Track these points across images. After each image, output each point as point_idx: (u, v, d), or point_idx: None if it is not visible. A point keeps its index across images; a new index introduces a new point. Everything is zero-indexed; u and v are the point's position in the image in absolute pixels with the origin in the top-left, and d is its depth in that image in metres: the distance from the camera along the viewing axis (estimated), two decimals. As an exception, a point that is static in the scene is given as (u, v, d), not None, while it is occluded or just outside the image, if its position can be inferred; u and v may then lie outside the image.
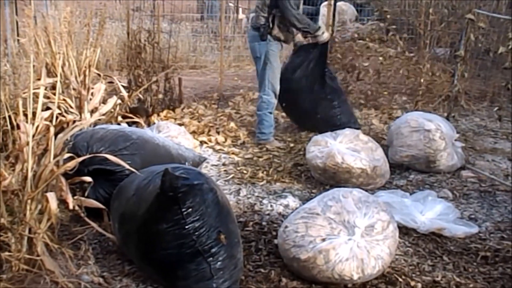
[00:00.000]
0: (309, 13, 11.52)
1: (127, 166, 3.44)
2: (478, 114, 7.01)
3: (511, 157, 5.53)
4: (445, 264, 3.54)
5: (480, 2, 7.00)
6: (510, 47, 5.15)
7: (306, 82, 5.87)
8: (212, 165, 5.18)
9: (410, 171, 5.14)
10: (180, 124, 5.84)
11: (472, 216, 4.26)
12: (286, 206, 4.30)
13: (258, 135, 5.80)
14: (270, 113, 5.76)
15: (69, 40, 5.09)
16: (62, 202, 3.35)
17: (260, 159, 5.34)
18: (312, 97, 5.85)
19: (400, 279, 3.28)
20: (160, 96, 6.53)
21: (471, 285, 3.26)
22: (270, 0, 5.45)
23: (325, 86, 5.89)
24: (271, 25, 5.48)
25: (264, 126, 5.74)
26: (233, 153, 5.50)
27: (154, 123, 5.49)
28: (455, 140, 5.20)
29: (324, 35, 5.71)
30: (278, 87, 5.73)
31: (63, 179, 3.27)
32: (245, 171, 5.01)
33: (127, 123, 5.11)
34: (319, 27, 5.68)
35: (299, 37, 5.92)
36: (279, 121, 6.39)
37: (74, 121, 4.30)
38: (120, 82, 5.75)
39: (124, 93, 5.57)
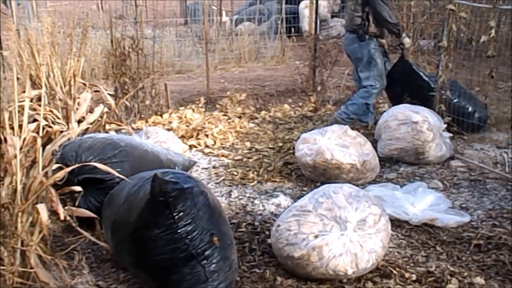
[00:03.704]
0: (291, 12, 11.60)
1: (117, 174, 3.44)
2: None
3: (499, 145, 5.58)
4: (438, 254, 3.56)
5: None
6: (492, 35, 5.19)
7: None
8: (202, 168, 5.18)
9: (399, 164, 5.16)
10: (168, 129, 5.85)
11: (463, 205, 4.29)
12: (278, 205, 4.31)
13: (341, 114, 5.94)
14: (367, 104, 5.96)
15: (52, 50, 5.08)
16: (53, 213, 3.34)
17: (250, 160, 5.34)
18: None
19: (395, 271, 3.30)
20: (147, 102, 6.52)
21: (465, 274, 3.28)
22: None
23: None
24: (366, 23, 5.68)
25: (352, 111, 5.93)
26: (222, 156, 5.50)
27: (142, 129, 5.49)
28: (443, 130, 5.23)
29: (407, 39, 5.96)
30: (385, 81, 5.98)
31: (53, 190, 3.26)
32: (235, 173, 5.01)
33: (115, 130, 5.10)
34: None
35: (406, 39, 6.05)
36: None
37: (62, 132, 4.29)
38: (106, 90, 5.74)
39: (111, 101, 5.56)
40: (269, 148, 5.66)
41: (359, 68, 5.99)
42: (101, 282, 3.22)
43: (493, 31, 5.22)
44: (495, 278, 3.25)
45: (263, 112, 6.99)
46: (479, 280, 3.21)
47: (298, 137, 5.10)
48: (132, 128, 5.59)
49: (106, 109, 5.21)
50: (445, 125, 5.30)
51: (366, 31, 5.73)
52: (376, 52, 5.85)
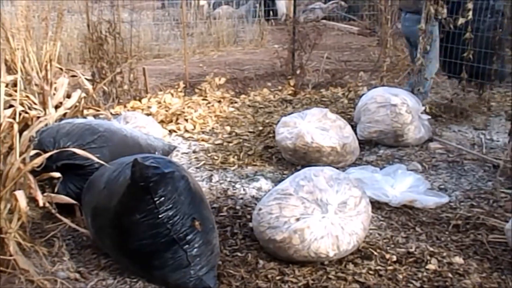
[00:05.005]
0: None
1: (96, 159, 3.41)
2: (443, 86, 7.09)
3: (477, 126, 5.64)
4: (418, 235, 3.60)
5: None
6: (469, 17, 5.22)
7: None
8: (183, 153, 5.16)
9: (379, 147, 5.20)
10: (147, 114, 5.81)
11: (442, 187, 4.34)
12: (259, 189, 4.31)
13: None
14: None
15: (27, 35, 4.98)
16: (31, 200, 3.30)
17: (230, 144, 5.33)
18: None
19: (375, 253, 3.33)
20: (126, 87, 6.47)
21: (444, 254, 3.33)
22: None
23: None
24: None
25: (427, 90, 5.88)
26: (202, 140, 5.48)
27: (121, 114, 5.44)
28: (421, 113, 5.27)
29: None
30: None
31: (31, 177, 3.22)
32: (216, 157, 5.00)
33: (94, 115, 5.05)
34: None
35: None
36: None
37: (39, 117, 4.24)
38: (83, 75, 5.66)
39: (88, 86, 5.49)
40: (249, 132, 5.66)
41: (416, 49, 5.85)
42: (82, 268, 3.19)
43: (470, 13, 5.25)
44: (474, 257, 3.30)
45: (242, 96, 6.97)
46: (458, 259, 3.26)
47: (278, 121, 5.09)
48: (111, 113, 5.52)
49: (83, 94, 5.14)
50: (423, 108, 5.34)
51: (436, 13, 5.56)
52: (436, 31, 5.75)
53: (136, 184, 2.94)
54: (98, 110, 5.20)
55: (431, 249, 3.39)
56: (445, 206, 3.98)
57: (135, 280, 3.07)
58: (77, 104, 4.99)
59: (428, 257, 3.28)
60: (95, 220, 3.26)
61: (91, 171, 3.62)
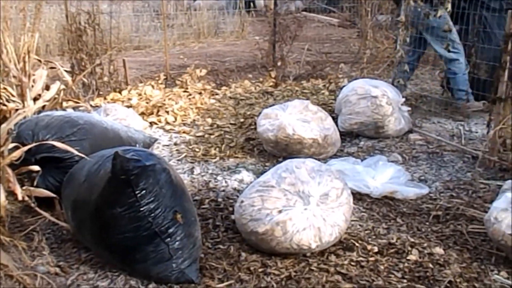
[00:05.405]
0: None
1: (76, 152, 3.38)
2: (422, 78, 7.16)
3: (456, 118, 5.69)
4: (399, 226, 3.63)
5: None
6: (448, 9, 5.25)
7: None
8: (164, 146, 5.13)
9: (360, 138, 5.22)
10: (128, 106, 5.76)
11: (422, 178, 4.38)
12: (241, 181, 4.31)
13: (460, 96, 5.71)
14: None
15: (4, 26, 4.88)
16: (10, 193, 3.26)
17: (212, 136, 5.31)
18: None
19: (357, 244, 3.35)
20: (105, 79, 6.42)
21: (425, 244, 3.35)
22: None
23: None
24: None
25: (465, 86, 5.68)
26: (184, 132, 5.45)
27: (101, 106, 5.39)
28: (401, 104, 5.30)
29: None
30: None
31: (9, 170, 3.18)
32: (197, 149, 4.98)
33: (73, 108, 4.99)
34: None
35: None
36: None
37: (17, 110, 4.17)
38: (62, 67, 5.58)
39: (68, 78, 5.42)
40: (231, 124, 5.64)
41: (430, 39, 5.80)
42: (62, 262, 3.16)
43: (449, 5, 5.28)
44: (454, 247, 3.34)
45: (223, 88, 6.95)
46: (439, 250, 3.29)
47: (260, 113, 5.09)
48: (91, 106, 5.47)
49: (62, 86, 5.07)
50: (404, 99, 5.37)
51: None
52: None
53: (117, 177, 2.91)
54: (77, 102, 5.15)
55: (412, 240, 3.42)
56: (425, 197, 4.02)
57: (116, 274, 3.05)
58: (56, 96, 4.92)
59: (409, 248, 3.31)
60: (75, 213, 3.23)
61: (71, 164, 3.58)
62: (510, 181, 3.29)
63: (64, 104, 5.01)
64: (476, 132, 5.31)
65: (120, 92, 6.37)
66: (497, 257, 3.21)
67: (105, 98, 6.19)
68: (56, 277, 3.03)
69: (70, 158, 3.64)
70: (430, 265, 3.13)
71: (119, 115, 4.99)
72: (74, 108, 5.00)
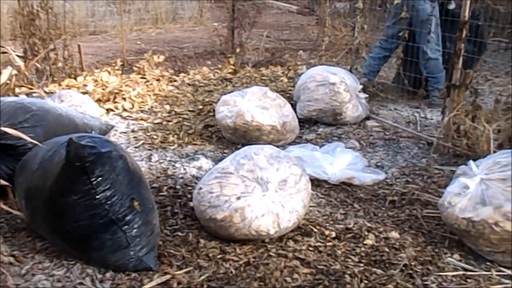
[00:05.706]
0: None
1: (29, 139, 3.28)
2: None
3: (412, 105, 5.79)
4: (356, 211, 3.68)
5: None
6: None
7: None
8: (121, 133, 5.05)
9: (318, 125, 5.26)
10: (83, 93, 5.64)
11: (379, 164, 4.44)
12: (199, 168, 4.29)
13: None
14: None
15: (-47, 9, 4.73)
16: (-40, 182, 3.15)
17: (170, 123, 5.26)
18: None
19: (315, 229, 3.38)
20: (60, 64, 6.26)
21: (381, 229, 3.41)
22: None
23: None
24: None
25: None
26: (141, 119, 5.38)
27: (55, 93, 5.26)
28: (359, 91, 5.36)
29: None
30: None
31: (-41, 158, 3.08)
32: (155, 136, 4.92)
33: (26, 94, 4.86)
34: None
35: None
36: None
37: (-33, 96, 4.03)
38: (14, 51, 5.42)
39: (20, 63, 5.27)
40: (189, 111, 5.59)
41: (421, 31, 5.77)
42: (17, 252, 3.08)
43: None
44: (409, 232, 3.41)
45: (182, 75, 6.88)
46: (394, 234, 3.35)
47: (218, 99, 5.06)
48: (45, 92, 5.34)
49: (15, 72, 4.93)
50: (361, 86, 5.43)
51: None
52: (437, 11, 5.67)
53: (72, 164, 2.84)
54: (31, 89, 5.02)
55: (369, 224, 3.47)
56: (381, 182, 4.08)
57: (72, 262, 2.99)
58: (8, 82, 4.78)
59: (366, 233, 3.36)
60: (29, 202, 3.15)
61: (24, 152, 3.48)
62: (463, 166, 3.36)
63: (17, 90, 4.89)
64: (431, 119, 5.42)
65: (75, 78, 6.23)
66: (451, 240, 3.29)
67: (59, 85, 6.04)
68: (10, 266, 2.95)
69: (23, 145, 3.54)
70: (386, 249, 3.19)
71: (74, 102, 4.89)
72: (27, 94, 4.88)
